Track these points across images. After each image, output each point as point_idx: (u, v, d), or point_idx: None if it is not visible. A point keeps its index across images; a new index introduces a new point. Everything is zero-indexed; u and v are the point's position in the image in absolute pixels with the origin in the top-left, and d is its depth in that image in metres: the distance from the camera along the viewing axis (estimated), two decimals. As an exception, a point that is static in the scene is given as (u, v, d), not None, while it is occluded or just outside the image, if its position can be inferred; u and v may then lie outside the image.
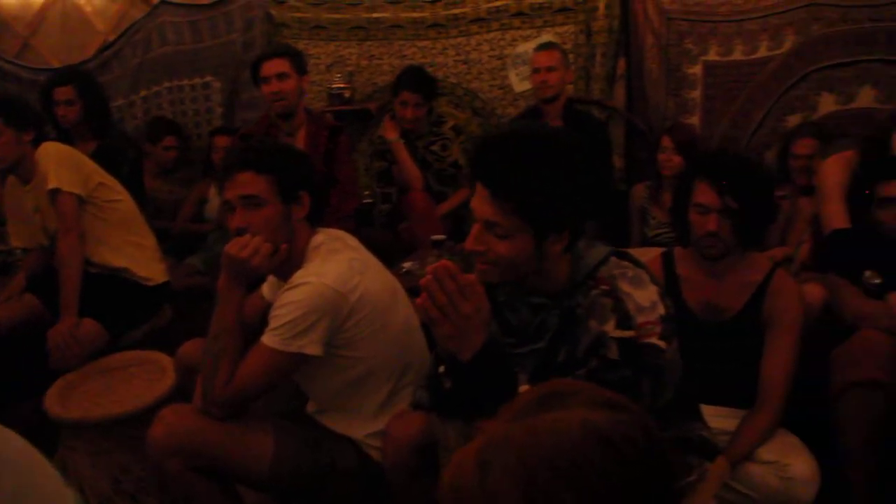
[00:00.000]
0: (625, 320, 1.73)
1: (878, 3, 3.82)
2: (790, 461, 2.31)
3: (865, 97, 3.89)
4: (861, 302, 2.64)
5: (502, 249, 1.71)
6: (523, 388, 1.77)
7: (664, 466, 0.86)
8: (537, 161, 1.66)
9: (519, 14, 4.62)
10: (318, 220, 2.32)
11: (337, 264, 2.18)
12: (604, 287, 1.78)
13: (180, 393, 2.69)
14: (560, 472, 0.79)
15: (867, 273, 2.66)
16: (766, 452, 2.34)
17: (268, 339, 2.13)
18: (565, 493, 0.78)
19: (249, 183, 2.17)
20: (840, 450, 2.45)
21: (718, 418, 2.41)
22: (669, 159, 3.75)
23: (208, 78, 5.32)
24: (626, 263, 1.84)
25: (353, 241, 2.35)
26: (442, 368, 1.72)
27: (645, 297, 1.77)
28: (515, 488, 0.79)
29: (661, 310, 1.78)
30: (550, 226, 1.70)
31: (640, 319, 1.74)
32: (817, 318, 2.69)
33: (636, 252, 2.60)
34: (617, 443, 0.82)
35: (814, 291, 2.71)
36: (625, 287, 1.77)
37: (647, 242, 3.83)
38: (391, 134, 4.24)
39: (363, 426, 2.31)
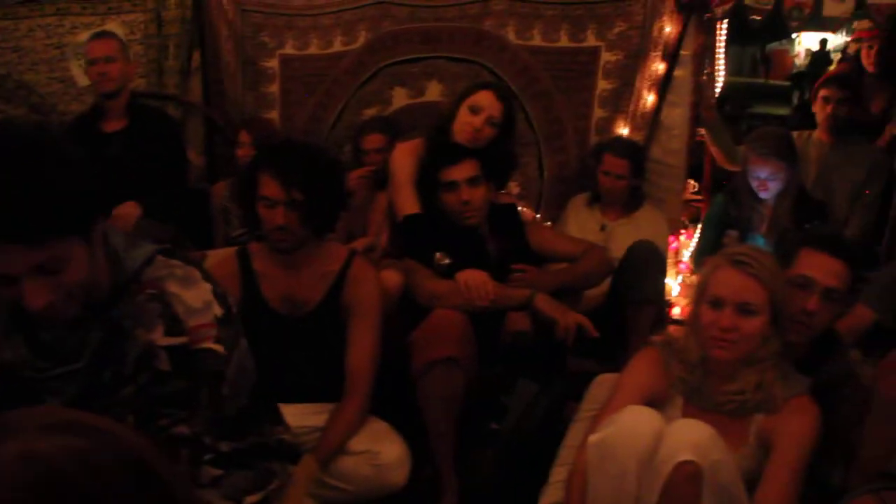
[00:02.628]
0: (174, 325, 1.52)
1: (440, 4, 4.04)
2: (381, 448, 2.31)
3: (434, 91, 4.09)
4: (434, 283, 2.72)
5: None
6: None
7: (158, 490, 0.68)
8: None
9: (78, -2, 4.17)
10: None
11: None
12: (150, 291, 1.55)
13: None
14: None
15: (437, 255, 2.76)
16: (357, 443, 2.30)
17: None
18: None
19: None
20: (426, 427, 2.50)
21: (308, 416, 2.34)
22: (247, 155, 3.59)
23: None
24: (175, 262, 1.62)
25: None
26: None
27: (196, 297, 1.57)
28: None
29: (216, 310, 1.59)
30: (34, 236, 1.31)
31: (191, 323, 1.54)
32: (396, 302, 2.73)
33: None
34: (70, 475, 0.63)
35: (391, 277, 2.74)
36: (172, 288, 1.55)
37: (230, 243, 3.64)
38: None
39: None
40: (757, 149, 3.45)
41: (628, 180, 3.59)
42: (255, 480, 1.83)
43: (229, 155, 3.94)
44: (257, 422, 1.86)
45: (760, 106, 9.15)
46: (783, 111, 7.96)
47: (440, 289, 2.69)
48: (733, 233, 3.57)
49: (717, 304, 1.98)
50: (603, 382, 2.37)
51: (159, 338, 1.49)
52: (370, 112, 4.09)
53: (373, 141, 3.73)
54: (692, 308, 2.10)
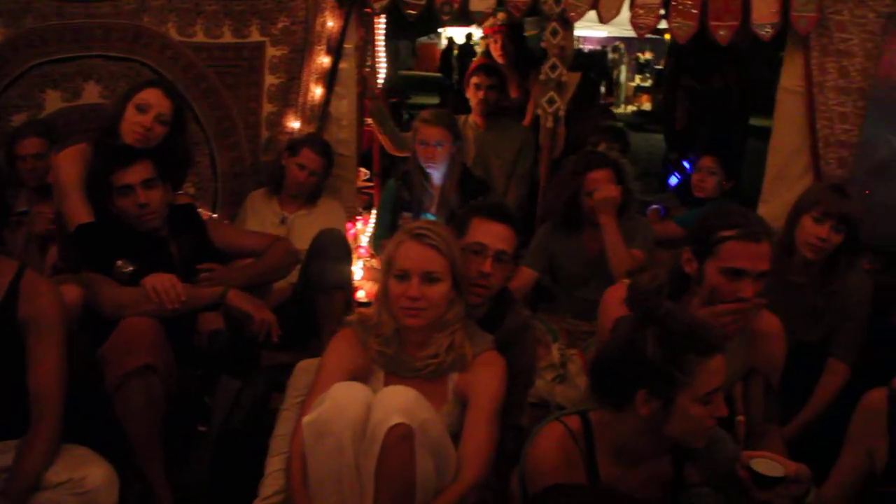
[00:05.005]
0: None
1: (91, -1, 3.81)
2: (84, 473, 2.15)
3: (91, 93, 3.85)
4: (118, 292, 2.60)
5: None
6: None
7: None
8: None
9: None
10: None
11: None
12: None
13: None
14: None
15: (119, 263, 2.64)
16: (56, 474, 2.13)
17: None
18: None
19: None
20: (130, 442, 2.39)
21: (-1, 456, 2.15)
22: None
23: None
24: None
25: None
26: None
27: None
28: None
29: None
30: None
31: None
32: (78, 318, 2.56)
33: None
34: None
35: (69, 291, 2.56)
36: None
37: None
38: None
39: None
40: (425, 118, 3.74)
41: (319, 178, 3.71)
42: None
43: None
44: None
45: (416, 96, 9.77)
46: (435, 100, 8.56)
47: (126, 297, 2.57)
48: (407, 214, 3.80)
49: (403, 276, 2.13)
50: (305, 369, 2.42)
51: None
52: (20, 118, 3.74)
53: (30, 146, 3.45)
54: (381, 284, 2.22)
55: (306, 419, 2.00)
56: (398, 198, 3.86)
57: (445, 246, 2.15)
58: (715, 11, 3.41)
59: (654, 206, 4.23)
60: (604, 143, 4.32)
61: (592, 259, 3.34)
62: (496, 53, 4.75)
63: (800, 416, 2.88)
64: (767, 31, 3.36)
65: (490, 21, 4.58)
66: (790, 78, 3.48)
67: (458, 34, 17.82)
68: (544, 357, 3.15)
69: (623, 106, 15.73)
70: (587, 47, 16.17)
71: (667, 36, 7.50)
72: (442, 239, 2.15)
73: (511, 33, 4.75)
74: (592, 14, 3.65)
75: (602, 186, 3.23)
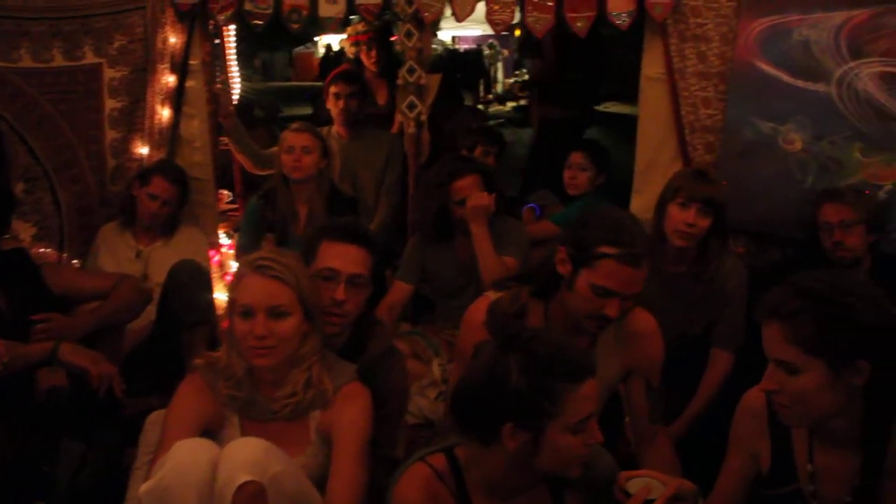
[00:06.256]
0: None
1: None
2: None
3: None
4: None
5: None
6: None
7: None
8: None
9: None
10: None
11: None
12: None
13: None
14: None
15: None
16: None
17: None
18: None
19: None
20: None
21: None
22: None
23: None
24: None
25: None
26: None
27: None
28: None
29: None
30: None
31: None
32: None
33: None
34: None
35: None
36: None
37: None
38: None
39: None
40: (293, 126, 3.60)
41: (174, 207, 3.46)
42: None
43: None
44: None
45: (289, 108, 9.52)
46: (309, 111, 8.29)
47: None
48: (271, 235, 3.57)
49: (247, 313, 1.94)
50: (156, 421, 2.21)
51: None
52: None
53: None
54: (228, 322, 2.02)
55: (144, 488, 1.78)
56: (262, 218, 3.63)
57: (291, 276, 1.96)
58: (571, 3, 3.30)
59: (530, 206, 4.12)
60: (480, 146, 4.19)
61: (466, 267, 3.20)
62: (368, 62, 4.57)
63: (688, 411, 2.81)
64: (624, 20, 3.29)
65: (361, 27, 4.43)
66: (651, 66, 3.41)
67: (335, 41, 17.50)
68: (425, 374, 3.02)
69: (504, 103, 15.71)
70: (462, 47, 16.13)
71: (517, 32, 7.45)
72: (286, 268, 1.96)
73: (379, 39, 4.57)
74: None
75: (473, 194, 3.10)
